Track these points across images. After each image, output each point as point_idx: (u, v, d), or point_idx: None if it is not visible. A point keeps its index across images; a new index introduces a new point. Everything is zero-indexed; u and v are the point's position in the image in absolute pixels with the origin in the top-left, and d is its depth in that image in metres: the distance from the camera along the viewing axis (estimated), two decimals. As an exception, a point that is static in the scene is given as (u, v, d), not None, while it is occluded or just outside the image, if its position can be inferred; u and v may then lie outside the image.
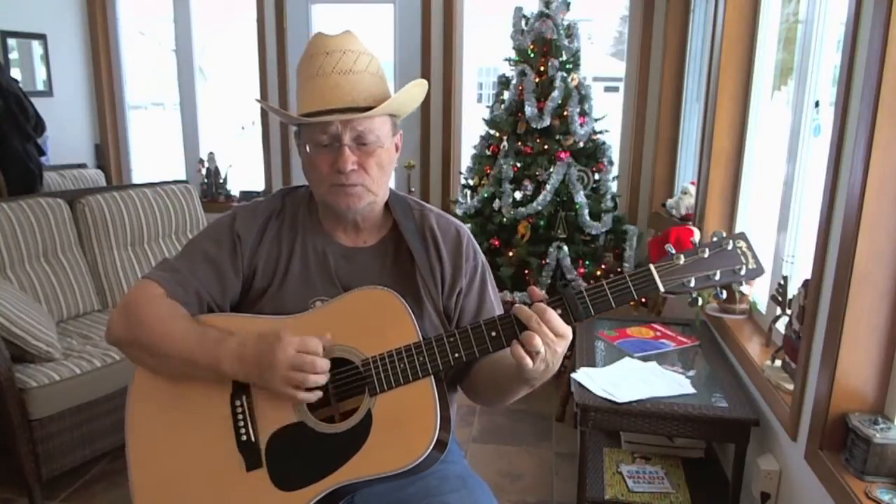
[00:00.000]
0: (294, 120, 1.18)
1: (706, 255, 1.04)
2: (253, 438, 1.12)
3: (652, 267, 1.04)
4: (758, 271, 1.05)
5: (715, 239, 1.05)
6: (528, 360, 1.00)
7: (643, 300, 3.41)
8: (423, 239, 1.27)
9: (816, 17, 2.00)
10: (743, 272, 1.04)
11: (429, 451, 1.04)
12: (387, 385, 1.09)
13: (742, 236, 1.06)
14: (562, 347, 1.02)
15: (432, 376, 1.08)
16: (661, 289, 1.03)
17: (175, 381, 1.17)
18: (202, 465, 1.13)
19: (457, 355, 1.08)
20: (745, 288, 1.13)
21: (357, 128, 1.14)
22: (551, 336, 1.00)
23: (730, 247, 1.04)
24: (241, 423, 1.13)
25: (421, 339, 1.10)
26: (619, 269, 3.37)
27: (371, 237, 1.28)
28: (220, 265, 1.22)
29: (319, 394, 1.08)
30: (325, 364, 1.07)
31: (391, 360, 1.09)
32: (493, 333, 1.07)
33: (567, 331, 1.02)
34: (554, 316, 1.01)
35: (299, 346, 1.05)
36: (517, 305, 1.04)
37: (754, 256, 1.05)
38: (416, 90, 1.22)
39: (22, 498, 2.27)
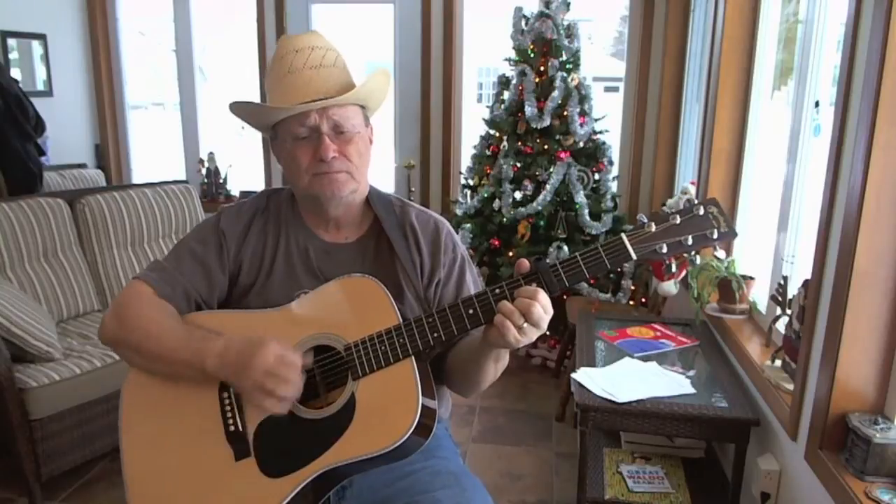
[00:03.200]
0: (274, 113, 1.20)
1: (678, 222, 1.04)
2: (241, 428, 1.14)
3: (623, 236, 1.05)
4: (730, 234, 1.05)
5: (686, 205, 1.06)
6: (500, 339, 1.04)
7: (644, 300, 3.41)
8: (403, 233, 1.30)
9: (816, 17, 2.00)
10: (715, 235, 1.04)
11: (411, 429, 1.06)
12: (368, 368, 1.11)
13: (713, 201, 1.06)
14: (535, 335, 1.05)
15: (413, 357, 1.10)
16: (634, 256, 1.04)
17: (165, 377, 1.19)
18: (192, 457, 1.15)
19: (436, 335, 1.10)
20: (719, 252, 1.13)
21: (333, 117, 1.18)
22: (533, 331, 1.04)
23: (701, 212, 1.05)
24: (229, 414, 1.15)
25: (401, 321, 1.12)
26: (619, 269, 3.37)
27: (352, 234, 1.32)
28: (207, 263, 1.26)
29: (287, 408, 1.09)
30: (299, 378, 1.08)
31: (372, 344, 1.11)
32: (471, 311, 1.08)
33: (543, 326, 1.04)
34: (539, 313, 1.02)
35: (279, 354, 1.07)
36: (503, 302, 1.05)
37: (726, 220, 1.05)
38: (382, 77, 1.27)
39: (22, 498, 2.27)
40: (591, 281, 3.31)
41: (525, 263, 1.07)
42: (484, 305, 1.08)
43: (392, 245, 1.27)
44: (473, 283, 1.35)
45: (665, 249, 1.04)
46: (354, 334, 1.13)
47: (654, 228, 1.04)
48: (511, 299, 1.04)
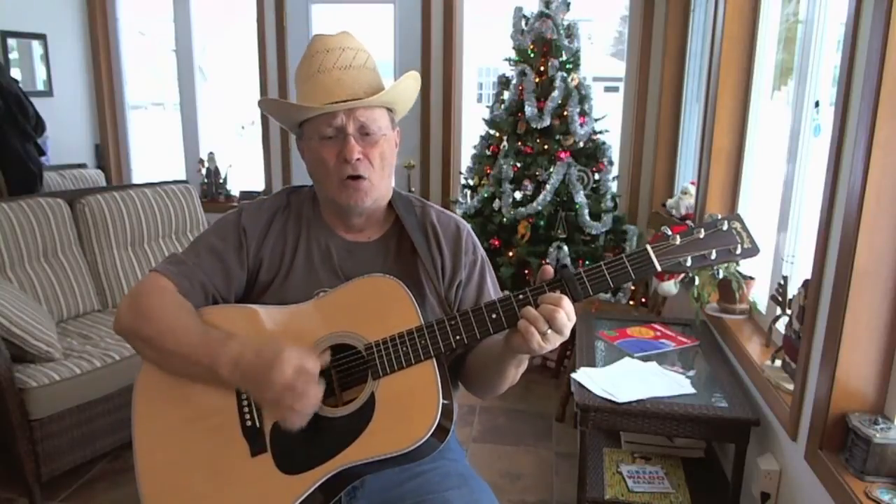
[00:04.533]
0: (301, 111, 1.21)
1: (702, 236, 1.05)
2: (258, 424, 1.14)
3: (649, 247, 1.05)
4: (753, 251, 1.06)
5: (710, 220, 1.08)
6: (523, 344, 1.03)
7: (644, 300, 3.41)
8: (424, 233, 1.30)
9: (816, 17, 2.00)
10: (738, 251, 1.06)
11: (431, 432, 1.05)
12: (389, 368, 1.10)
13: (737, 217, 1.08)
14: (557, 342, 1.05)
15: (434, 359, 1.10)
16: (658, 268, 1.05)
17: (179, 375, 1.18)
18: (207, 451, 1.14)
19: (458, 337, 1.09)
20: (741, 267, 1.14)
21: (360, 118, 1.19)
22: (556, 337, 1.03)
23: (725, 227, 1.06)
24: (246, 409, 1.14)
25: (423, 323, 1.11)
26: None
27: (374, 233, 1.32)
28: (226, 258, 1.25)
29: (307, 419, 1.08)
30: (318, 390, 1.07)
31: (394, 344, 1.11)
32: (494, 316, 1.08)
33: (567, 333, 1.04)
34: (563, 319, 1.02)
35: (297, 367, 1.05)
36: (526, 308, 1.04)
37: (749, 236, 1.07)
38: (411, 81, 1.27)
39: (22, 498, 2.27)
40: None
41: (549, 270, 1.07)
42: (507, 310, 1.08)
43: (413, 245, 1.27)
44: (493, 286, 1.34)
45: (689, 263, 1.05)
46: (375, 334, 1.12)
47: (678, 241, 1.05)
48: (535, 305, 1.04)
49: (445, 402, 1.08)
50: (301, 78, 1.23)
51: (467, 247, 1.32)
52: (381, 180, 1.24)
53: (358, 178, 1.20)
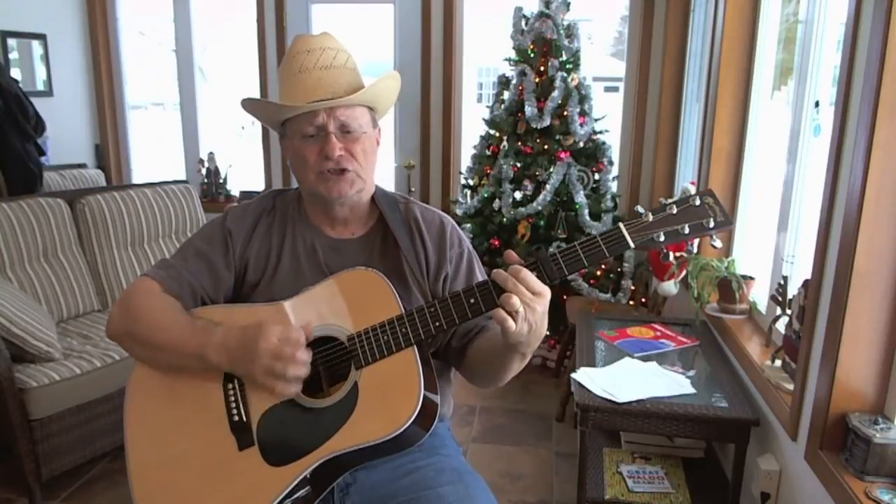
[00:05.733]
0: (283, 110, 1.23)
1: (674, 212, 1.06)
2: (245, 418, 1.16)
3: (621, 225, 1.06)
4: (726, 223, 1.07)
5: (683, 196, 1.09)
6: (511, 322, 1.02)
7: (644, 300, 3.41)
8: (408, 229, 1.32)
9: (816, 17, 2.00)
10: (711, 225, 1.06)
11: (413, 418, 1.07)
12: (371, 357, 1.12)
13: (709, 192, 1.08)
14: (541, 306, 1.04)
15: (415, 346, 1.12)
16: (632, 245, 1.05)
17: (171, 370, 1.21)
18: (197, 447, 1.17)
19: (437, 323, 1.11)
20: (716, 242, 1.14)
21: (340, 117, 1.21)
22: (528, 295, 1.02)
23: (697, 202, 1.07)
24: (234, 405, 1.17)
25: (403, 311, 1.13)
26: (619, 269, 3.37)
27: (358, 229, 1.34)
28: (212, 260, 1.28)
29: (299, 387, 1.10)
30: (306, 355, 1.09)
31: (375, 333, 1.13)
32: (472, 300, 1.09)
33: (543, 288, 1.04)
34: (529, 275, 1.03)
35: (281, 335, 1.08)
36: (495, 270, 1.05)
37: (722, 210, 1.07)
38: (391, 81, 1.29)
39: (22, 498, 2.28)
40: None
41: (512, 254, 1.07)
42: (485, 295, 1.09)
43: (397, 240, 1.28)
44: (482, 277, 1.35)
45: (662, 238, 1.06)
46: (357, 325, 1.14)
47: (650, 218, 1.06)
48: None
49: (428, 392, 1.10)
50: (283, 78, 1.26)
51: (452, 240, 1.33)
52: (366, 174, 1.26)
53: (342, 171, 1.22)
